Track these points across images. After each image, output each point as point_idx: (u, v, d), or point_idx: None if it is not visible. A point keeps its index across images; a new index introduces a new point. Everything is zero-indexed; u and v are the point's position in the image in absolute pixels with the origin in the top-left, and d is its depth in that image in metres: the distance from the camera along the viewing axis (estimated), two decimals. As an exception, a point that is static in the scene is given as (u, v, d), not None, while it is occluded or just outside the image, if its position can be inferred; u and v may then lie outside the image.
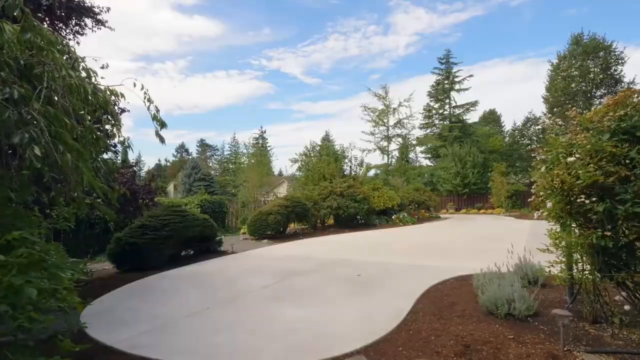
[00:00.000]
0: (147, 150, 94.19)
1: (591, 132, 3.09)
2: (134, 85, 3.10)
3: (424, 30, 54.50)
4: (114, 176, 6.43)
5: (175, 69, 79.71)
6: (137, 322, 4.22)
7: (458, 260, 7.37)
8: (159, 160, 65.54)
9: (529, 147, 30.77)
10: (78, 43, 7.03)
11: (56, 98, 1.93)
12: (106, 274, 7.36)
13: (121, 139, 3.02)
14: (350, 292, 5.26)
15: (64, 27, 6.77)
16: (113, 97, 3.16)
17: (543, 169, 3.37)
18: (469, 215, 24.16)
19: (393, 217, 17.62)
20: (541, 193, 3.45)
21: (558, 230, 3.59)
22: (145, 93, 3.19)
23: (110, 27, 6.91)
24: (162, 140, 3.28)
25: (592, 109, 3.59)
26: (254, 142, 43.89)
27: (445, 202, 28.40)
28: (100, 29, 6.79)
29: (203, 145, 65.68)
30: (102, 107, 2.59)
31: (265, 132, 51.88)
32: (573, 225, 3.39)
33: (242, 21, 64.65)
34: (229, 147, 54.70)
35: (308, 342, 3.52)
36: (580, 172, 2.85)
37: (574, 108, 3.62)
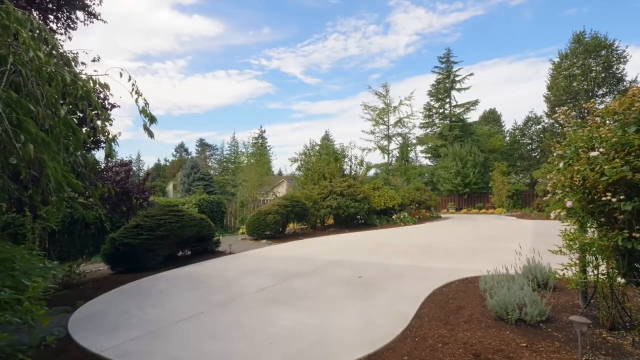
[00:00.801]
0: (146, 150, 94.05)
1: (615, 124, 2.87)
2: (121, 75, 2.88)
3: (423, 30, 54.28)
4: (109, 174, 6.23)
5: (174, 69, 79.70)
6: (128, 327, 4.04)
7: (461, 261, 7.16)
8: (158, 160, 65.49)
9: (530, 146, 30.49)
10: (70, 38, 6.81)
11: (24, 84, 1.71)
12: (100, 275, 7.18)
13: (106, 132, 2.80)
14: (351, 295, 5.06)
15: (55, 21, 6.56)
16: (99, 89, 2.95)
17: (561, 165, 3.13)
18: (470, 215, 23.93)
19: (393, 216, 17.40)
20: (558, 191, 3.23)
21: (574, 230, 3.36)
22: (133, 85, 2.98)
23: (103, 20, 6.68)
24: (150, 134, 3.08)
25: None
26: (254, 141, 43.61)
27: (445, 202, 28.19)
28: (92, 22, 6.56)
29: (202, 144, 65.54)
30: (83, 97, 2.37)
31: (264, 131, 51.64)
32: (594, 225, 3.16)
33: (242, 21, 64.35)
34: (229, 147, 54.46)
35: (307, 349, 3.33)
36: (605, 167, 2.62)
37: (592, 100, 3.39)
